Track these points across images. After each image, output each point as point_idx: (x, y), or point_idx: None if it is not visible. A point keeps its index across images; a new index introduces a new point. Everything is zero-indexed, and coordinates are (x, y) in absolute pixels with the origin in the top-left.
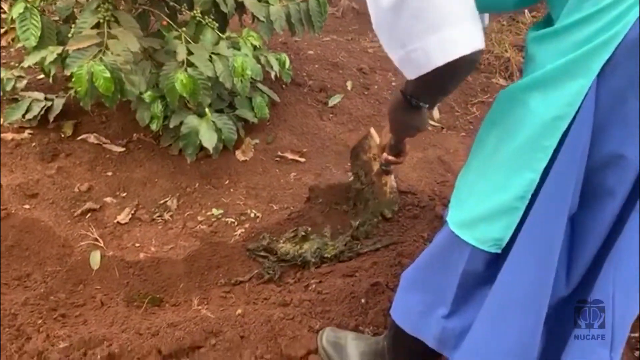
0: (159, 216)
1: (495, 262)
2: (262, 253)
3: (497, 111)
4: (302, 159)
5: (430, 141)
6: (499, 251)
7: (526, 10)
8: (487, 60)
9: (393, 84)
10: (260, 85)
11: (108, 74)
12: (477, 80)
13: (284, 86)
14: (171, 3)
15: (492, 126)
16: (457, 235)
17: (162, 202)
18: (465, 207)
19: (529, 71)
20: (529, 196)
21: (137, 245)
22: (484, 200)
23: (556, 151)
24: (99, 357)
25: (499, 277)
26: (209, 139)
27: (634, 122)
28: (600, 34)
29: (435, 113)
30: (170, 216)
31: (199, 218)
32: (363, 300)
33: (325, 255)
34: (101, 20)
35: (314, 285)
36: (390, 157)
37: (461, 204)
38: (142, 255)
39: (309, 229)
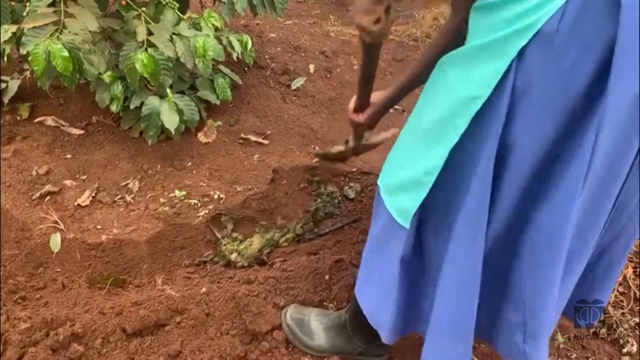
0: (120, 198)
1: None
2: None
3: (430, 79)
4: (266, 141)
5: (392, 123)
6: (407, 226)
7: None
8: None
9: (355, 67)
10: (222, 67)
11: (66, 53)
12: None
13: (246, 68)
14: None
15: (423, 93)
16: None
17: (123, 184)
18: (390, 173)
19: (463, 43)
20: (437, 172)
21: (99, 227)
22: (403, 168)
23: (468, 130)
24: (61, 337)
25: (432, 257)
26: (170, 121)
27: (531, 116)
28: (523, 17)
29: None
30: (132, 198)
31: (162, 200)
32: (327, 277)
33: (282, 244)
34: None
35: (278, 264)
36: (356, 117)
37: (388, 169)
38: (103, 237)
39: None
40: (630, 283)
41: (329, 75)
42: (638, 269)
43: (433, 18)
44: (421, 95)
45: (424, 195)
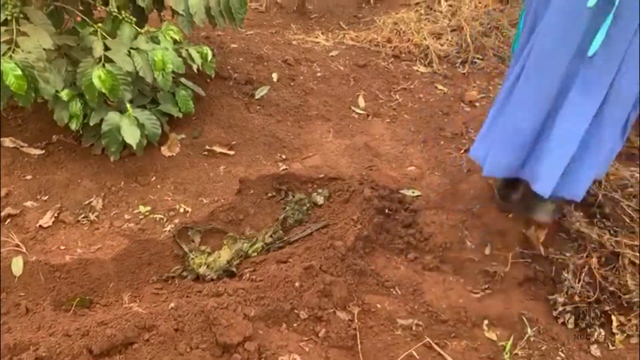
0: (84, 217)
1: None
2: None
3: None
4: (231, 152)
5: (357, 128)
6: None
7: (442, 0)
8: (407, 48)
9: (318, 74)
10: (183, 80)
11: (19, 72)
12: (398, 69)
13: (208, 80)
14: None
15: None
16: None
17: (86, 202)
18: None
19: None
20: None
21: (62, 248)
22: None
23: None
24: None
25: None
26: (131, 136)
27: None
28: None
29: (361, 102)
30: (96, 217)
31: (126, 216)
32: (297, 284)
33: (251, 254)
34: (9, 18)
35: (247, 274)
36: None
37: None
38: (67, 257)
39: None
40: (595, 273)
41: (292, 83)
42: (603, 259)
43: (393, 23)
44: None
45: None
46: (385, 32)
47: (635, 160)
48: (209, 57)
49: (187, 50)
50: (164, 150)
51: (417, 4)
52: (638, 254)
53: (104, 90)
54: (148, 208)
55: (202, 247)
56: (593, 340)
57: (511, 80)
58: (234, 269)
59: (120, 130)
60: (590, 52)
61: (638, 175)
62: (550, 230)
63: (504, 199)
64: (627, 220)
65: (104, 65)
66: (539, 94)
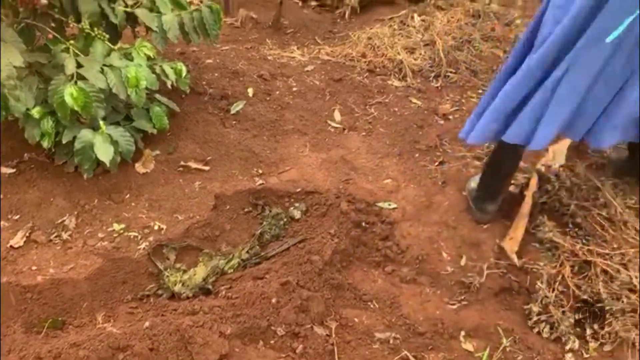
0: (56, 236)
1: None
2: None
3: None
4: (206, 167)
5: (333, 142)
6: None
7: (415, 15)
8: (382, 63)
9: (294, 89)
10: (158, 96)
11: None
12: (373, 83)
13: (183, 96)
14: (57, 16)
15: None
16: None
17: (59, 221)
18: None
19: None
20: None
21: (34, 268)
22: None
23: None
24: None
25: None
26: (104, 153)
27: None
28: None
29: (337, 115)
30: (69, 235)
31: (100, 235)
32: (274, 300)
33: (227, 271)
34: None
35: (224, 291)
36: None
37: None
38: (39, 278)
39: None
40: (568, 282)
41: (268, 98)
42: (576, 268)
43: (368, 38)
44: None
45: None
46: (360, 47)
47: (605, 170)
48: (183, 73)
49: (161, 66)
50: (139, 167)
51: (390, 19)
52: (609, 262)
53: (76, 108)
54: (122, 226)
55: (178, 265)
56: (568, 349)
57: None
58: (210, 287)
59: (93, 147)
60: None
61: (608, 184)
62: (524, 240)
63: (480, 210)
64: (599, 229)
65: (76, 82)
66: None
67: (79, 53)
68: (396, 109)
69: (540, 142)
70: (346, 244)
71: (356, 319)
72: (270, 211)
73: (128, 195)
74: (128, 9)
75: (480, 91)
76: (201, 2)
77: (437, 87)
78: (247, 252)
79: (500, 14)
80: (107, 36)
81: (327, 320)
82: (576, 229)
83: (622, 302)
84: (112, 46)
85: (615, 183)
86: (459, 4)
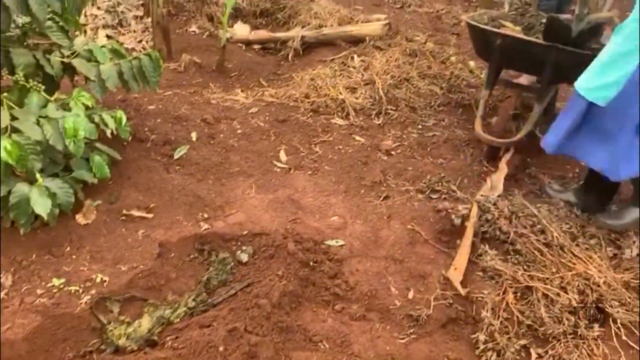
0: None
1: None
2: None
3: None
4: (150, 215)
5: (279, 182)
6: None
7: (355, 56)
8: (325, 103)
9: (238, 131)
10: (98, 145)
11: None
12: (317, 122)
13: (125, 143)
14: None
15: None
16: None
17: None
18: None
19: None
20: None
21: None
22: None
23: None
24: None
25: None
26: (42, 206)
27: None
28: None
29: (282, 156)
30: (5, 294)
31: (39, 291)
32: (221, 348)
33: (173, 321)
34: None
35: (170, 342)
36: None
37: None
38: None
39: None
40: (512, 308)
41: (212, 142)
42: (518, 294)
43: (310, 79)
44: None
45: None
46: (303, 87)
47: (542, 197)
48: (123, 121)
49: (100, 115)
50: (79, 218)
51: (332, 60)
52: (549, 287)
53: (10, 162)
54: (62, 280)
55: (122, 317)
56: None
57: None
58: (156, 338)
59: (30, 201)
60: None
61: (545, 210)
62: (468, 269)
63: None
64: (538, 255)
65: (10, 135)
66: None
67: (14, 105)
68: (340, 147)
69: None
70: (294, 285)
71: None
72: (216, 256)
73: (68, 248)
74: (65, 59)
75: (420, 127)
76: (144, 48)
77: (379, 124)
78: (194, 299)
79: (435, 52)
80: (43, 87)
81: None
82: (517, 256)
83: (564, 324)
84: (48, 97)
85: (550, 209)
86: (396, 44)
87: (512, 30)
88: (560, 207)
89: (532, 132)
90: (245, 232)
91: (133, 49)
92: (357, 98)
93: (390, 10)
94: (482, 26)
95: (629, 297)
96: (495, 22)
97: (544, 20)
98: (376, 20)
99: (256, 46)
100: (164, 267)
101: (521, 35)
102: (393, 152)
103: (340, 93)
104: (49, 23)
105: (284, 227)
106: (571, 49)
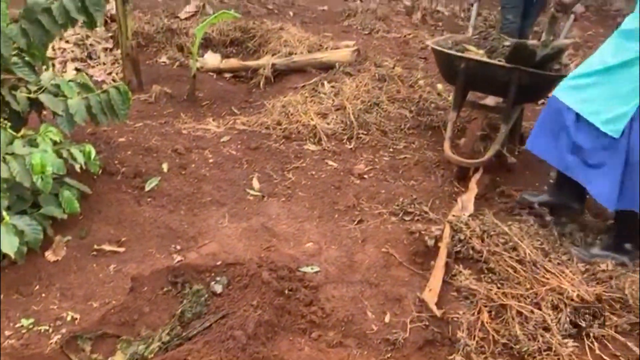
0: None
1: None
2: None
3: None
4: (121, 249)
5: (253, 210)
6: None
7: (325, 82)
8: (297, 129)
9: (210, 160)
10: (68, 179)
11: None
12: (290, 149)
13: (95, 177)
14: None
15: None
16: None
17: None
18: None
19: None
20: None
21: None
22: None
23: None
24: None
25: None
26: (9, 245)
27: None
28: None
29: (255, 183)
30: None
31: (7, 333)
32: None
33: (147, 356)
34: None
35: None
36: None
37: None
38: None
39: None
40: (487, 327)
41: (184, 172)
42: (493, 313)
43: (282, 106)
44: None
45: None
46: (275, 114)
47: (512, 214)
48: (93, 154)
49: (68, 150)
50: (49, 255)
51: (303, 86)
52: (523, 304)
53: None
54: (31, 320)
55: (94, 356)
56: None
57: None
58: None
59: None
60: None
61: (516, 228)
62: (442, 290)
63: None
64: (511, 272)
65: None
66: None
67: None
68: (313, 172)
69: None
70: (270, 314)
71: None
72: (190, 288)
73: (37, 287)
74: (31, 95)
75: (391, 150)
76: (114, 80)
77: (351, 148)
78: (168, 334)
79: (404, 76)
80: (9, 124)
81: None
82: (490, 274)
83: (538, 341)
84: (14, 134)
85: (521, 227)
86: (366, 69)
87: (476, 53)
88: (530, 224)
89: (499, 152)
90: (219, 263)
91: (103, 81)
92: (328, 123)
93: (358, 37)
94: (446, 51)
95: (602, 311)
96: (459, 46)
97: (506, 43)
98: (345, 46)
99: (227, 75)
100: (137, 302)
101: (484, 58)
102: (366, 176)
103: (311, 119)
104: (15, 59)
105: (258, 256)
106: (533, 71)
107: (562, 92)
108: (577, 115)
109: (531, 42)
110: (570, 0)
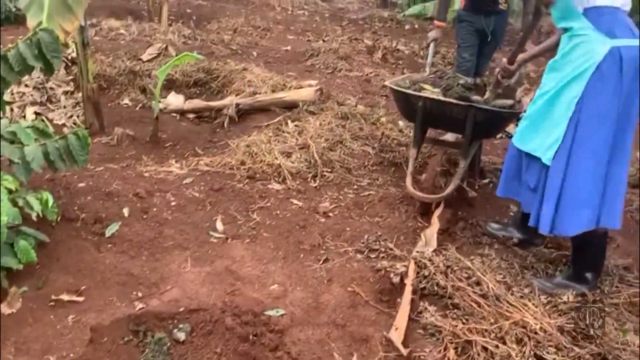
0: None
1: None
2: None
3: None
4: (81, 298)
5: (216, 253)
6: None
7: (289, 121)
8: (261, 168)
9: (172, 203)
10: (24, 228)
11: None
12: (254, 188)
13: (54, 224)
14: None
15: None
16: None
17: None
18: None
19: None
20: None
21: None
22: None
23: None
24: None
25: None
26: None
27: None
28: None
29: (219, 225)
30: None
31: None
32: None
33: None
34: None
35: None
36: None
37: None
38: None
39: None
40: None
41: (145, 216)
42: (459, 349)
43: (246, 145)
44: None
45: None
46: (239, 154)
47: (476, 250)
48: (50, 202)
49: (24, 198)
50: (3, 307)
51: (267, 126)
52: (488, 340)
53: None
54: None
55: None
56: None
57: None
58: None
59: None
60: None
61: (478, 262)
62: (409, 328)
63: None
64: (476, 307)
65: None
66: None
67: None
68: (278, 212)
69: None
70: None
71: None
72: (152, 337)
73: None
74: None
75: (355, 187)
76: (75, 123)
77: (316, 186)
78: None
79: (366, 114)
80: None
81: None
82: (455, 310)
83: None
84: None
85: (483, 261)
86: (329, 108)
87: (432, 92)
88: (492, 258)
89: (460, 186)
90: (181, 309)
91: (63, 125)
92: (292, 162)
93: (321, 76)
94: (403, 90)
95: (565, 342)
96: (416, 86)
97: (461, 82)
98: (308, 85)
99: (191, 115)
100: (96, 354)
101: (439, 97)
102: (331, 214)
103: (276, 158)
104: None
105: (221, 300)
106: (487, 108)
107: (515, 137)
108: (527, 154)
109: (476, 97)
110: (515, 67)
